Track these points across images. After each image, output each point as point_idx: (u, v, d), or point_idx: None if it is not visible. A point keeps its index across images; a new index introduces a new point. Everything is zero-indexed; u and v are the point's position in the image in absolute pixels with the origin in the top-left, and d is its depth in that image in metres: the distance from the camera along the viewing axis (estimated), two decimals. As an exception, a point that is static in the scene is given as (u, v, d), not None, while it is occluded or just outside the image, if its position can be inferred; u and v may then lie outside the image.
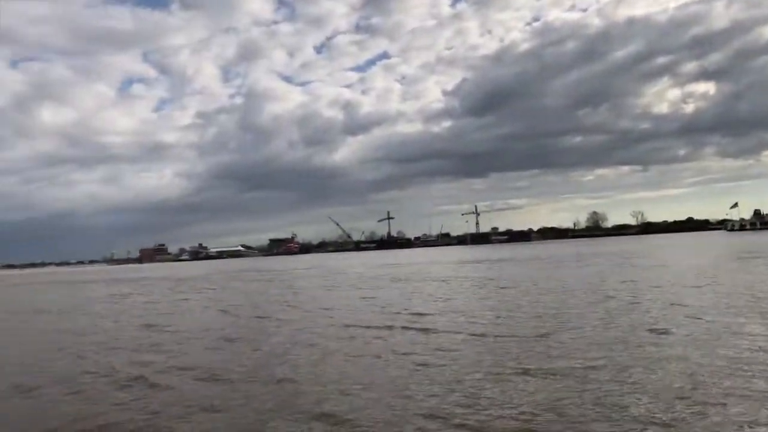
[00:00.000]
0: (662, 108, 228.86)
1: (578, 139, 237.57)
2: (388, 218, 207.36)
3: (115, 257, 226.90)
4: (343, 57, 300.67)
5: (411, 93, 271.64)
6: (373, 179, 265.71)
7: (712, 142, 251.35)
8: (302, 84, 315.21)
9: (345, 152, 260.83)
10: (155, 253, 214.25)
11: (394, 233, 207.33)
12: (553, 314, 13.10)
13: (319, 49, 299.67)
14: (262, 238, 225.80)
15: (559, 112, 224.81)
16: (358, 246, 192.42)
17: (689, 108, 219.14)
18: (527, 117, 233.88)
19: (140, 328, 15.03)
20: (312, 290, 26.02)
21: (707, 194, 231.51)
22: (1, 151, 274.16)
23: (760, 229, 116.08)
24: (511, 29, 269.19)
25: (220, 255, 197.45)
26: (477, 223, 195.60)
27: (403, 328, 12.26)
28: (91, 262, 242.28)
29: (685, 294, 15.58)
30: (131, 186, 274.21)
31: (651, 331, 10.28)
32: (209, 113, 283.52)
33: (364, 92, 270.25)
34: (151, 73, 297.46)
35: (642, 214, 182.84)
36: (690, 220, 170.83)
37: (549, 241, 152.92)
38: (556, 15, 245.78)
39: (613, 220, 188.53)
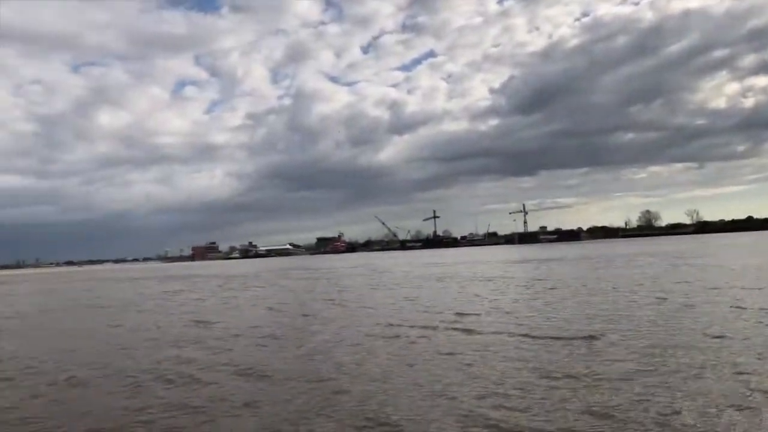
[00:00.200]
0: (720, 103, 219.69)
1: (630, 135, 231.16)
2: (434, 217, 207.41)
3: (169, 255, 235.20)
4: (390, 56, 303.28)
5: (457, 91, 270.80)
6: (419, 178, 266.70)
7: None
8: (349, 84, 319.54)
9: (391, 152, 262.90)
10: (207, 251, 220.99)
11: (439, 232, 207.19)
12: (602, 316, 12.76)
13: (365, 49, 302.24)
14: (309, 237, 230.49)
15: (610, 108, 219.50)
16: (403, 245, 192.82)
17: (749, 102, 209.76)
18: (576, 114, 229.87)
19: (190, 325, 15.51)
20: (357, 289, 26.23)
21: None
22: (62, 153, 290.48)
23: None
24: (559, 25, 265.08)
25: (269, 253, 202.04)
26: (525, 222, 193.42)
27: (448, 328, 12.21)
28: (146, 259, 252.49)
29: (744, 296, 14.83)
30: (184, 186, 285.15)
31: (706, 335, 9.87)
32: (258, 114, 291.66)
33: (410, 91, 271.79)
34: (203, 75, 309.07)
35: (697, 213, 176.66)
36: (750, 219, 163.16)
37: (599, 240, 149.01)
38: (606, 9, 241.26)
39: (666, 219, 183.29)
